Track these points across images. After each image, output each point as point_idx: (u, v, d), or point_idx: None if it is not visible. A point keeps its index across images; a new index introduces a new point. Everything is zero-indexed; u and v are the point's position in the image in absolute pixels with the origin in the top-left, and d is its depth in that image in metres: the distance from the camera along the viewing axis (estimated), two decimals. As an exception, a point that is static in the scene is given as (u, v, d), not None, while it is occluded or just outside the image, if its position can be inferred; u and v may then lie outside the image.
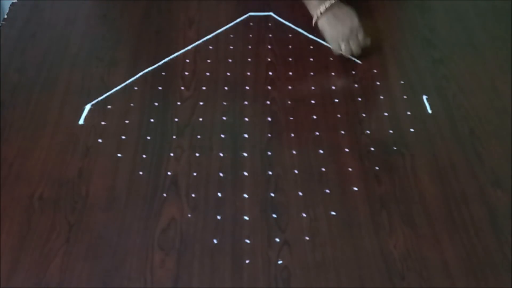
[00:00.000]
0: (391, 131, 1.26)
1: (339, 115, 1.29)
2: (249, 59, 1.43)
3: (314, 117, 1.29)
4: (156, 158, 1.20)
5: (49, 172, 1.18)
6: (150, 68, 1.40)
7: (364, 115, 1.29)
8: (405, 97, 1.33)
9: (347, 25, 1.37)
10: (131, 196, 1.14)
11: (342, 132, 1.25)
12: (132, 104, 1.32)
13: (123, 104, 1.32)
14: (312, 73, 1.39)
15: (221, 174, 1.17)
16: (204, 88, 1.36)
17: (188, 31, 1.51)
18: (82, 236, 1.07)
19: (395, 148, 1.22)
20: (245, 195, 1.13)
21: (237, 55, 1.44)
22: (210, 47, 1.46)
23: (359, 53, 1.39)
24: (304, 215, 1.10)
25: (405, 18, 1.56)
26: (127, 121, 1.28)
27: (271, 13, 1.55)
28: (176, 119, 1.28)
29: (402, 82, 1.35)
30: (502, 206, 1.11)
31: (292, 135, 1.25)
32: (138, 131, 1.26)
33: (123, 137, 1.25)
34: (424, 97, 1.32)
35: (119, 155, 1.21)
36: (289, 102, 1.32)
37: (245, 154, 1.21)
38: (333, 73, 1.39)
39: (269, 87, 1.35)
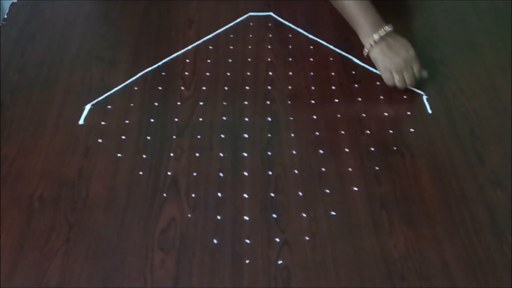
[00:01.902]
0: (391, 131, 1.26)
1: (339, 115, 1.29)
2: (249, 59, 1.43)
3: (314, 117, 1.29)
4: (156, 158, 1.20)
5: (49, 172, 1.18)
6: (150, 68, 1.40)
7: (364, 115, 1.29)
8: (405, 97, 1.33)
9: (402, 56, 1.31)
10: (131, 196, 1.14)
11: (342, 132, 1.25)
12: (132, 104, 1.32)
13: (123, 104, 1.32)
14: (312, 73, 1.39)
15: (221, 174, 1.17)
16: (204, 88, 1.36)
17: (188, 31, 1.51)
18: (82, 236, 1.07)
19: (395, 148, 1.22)
20: (245, 195, 1.13)
21: (237, 55, 1.44)
22: (210, 47, 1.46)
23: (413, 85, 1.32)
24: (304, 215, 1.10)
25: (405, 18, 1.56)
26: (127, 121, 1.28)
27: (271, 13, 1.55)
28: (176, 119, 1.28)
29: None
30: (502, 206, 1.11)
31: (292, 135, 1.25)
32: (138, 131, 1.26)
33: (123, 137, 1.25)
34: (424, 97, 1.32)
35: (119, 155, 1.21)
36: (289, 102, 1.32)
37: (245, 154, 1.21)
38: (333, 73, 1.39)
39: (269, 87, 1.35)
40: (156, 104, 1.32)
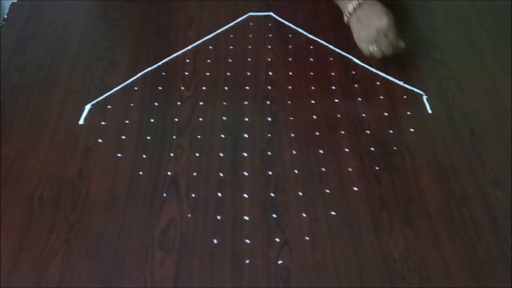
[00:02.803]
0: (391, 131, 1.26)
1: (339, 115, 1.29)
2: (249, 59, 1.43)
3: (314, 117, 1.29)
4: (156, 158, 1.20)
5: (49, 172, 1.18)
6: (150, 68, 1.40)
7: (364, 115, 1.29)
8: (405, 97, 1.33)
9: (374, 25, 1.30)
10: (131, 196, 1.14)
11: (342, 132, 1.25)
12: (132, 104, 1.32)
13: (123, 104, 1.32)
14: (312, 73, 1.39)
15: (221, 174, 1.17)
16: (204, 88, 1.36)
17: (188, 31, 1.51)
18: (82, 236, 1.07)
19: (395, 148, 1.22)
20: (245, 195, 1.14)
21: (237, 55, 1.44)
22: (210, 47, 1.46)
23: (390, 54, 1.32)
24: (304, 215, 1.10)
25: (405, 18, 1.56)
26: (127, 121, 1.28)
27: (271, 13, 1.55)
28: (176, 119, 1.28)
29: (402, 82, 1.35)
30: (502, 206, 1.11)
31: (292, 135, 1.25)
32: (138, 131, 1.26)
33: (123, 137, 1.25)
34: (424, 97, 1.32)
35: (119, 155, 1.21)
36: (289, 102, 1.32)
37: (245, 154, 1.21)
38: (333, 73, 1.39)
39: (269, 87, 1.35)
40: (156, 104, 1.32)
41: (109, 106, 1.32)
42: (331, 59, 1.42)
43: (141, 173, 1.18)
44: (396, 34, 1.32)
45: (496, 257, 1.03)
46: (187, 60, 1.43)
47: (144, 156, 1.21)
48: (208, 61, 1.43)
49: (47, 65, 1.42)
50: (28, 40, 1.49)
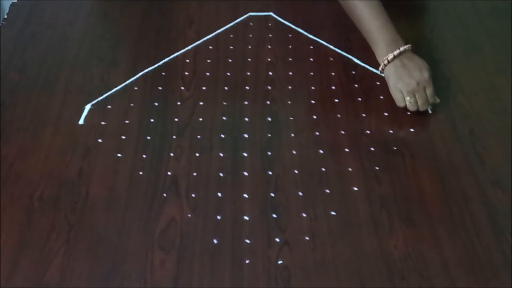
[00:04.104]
0: (391, 131, 1.26)
1: (339, 115, 1.29)
2: (249, 59, 1.43)
3: (314, 117, 1.29)
4: (156, 158, 1.20)
5: (49, 172, 1.18)
6: (150, 68, 1.40)
7: (364, 115, 1.29)
8: (405, 97, 1.33)
9: (415, 78, 1.25)
10: (131, 196, 1.14)
11: (342, 132, 1.25)
12: (132, 104, 1.32)
13: (123, 104, 1.32)
14: (312, 73, 1.39)
15: (221, 174, 1.17)
16: (204, 88, 1.36)
17: (188, 31, 1.51)
18: (82, 236, 1.07)
19: (395, 148, 1.22)
20: (245, 195, 1.13)
21: (237, 55, 1.44)
22: (210, 47, 1.46)
23: (425, 109, 1.27)
24: (304, 215, 1.10)
25: (405, 18, 1.56)
26: (127, 121, 1.28)
27: (271, 13, 1.55)
28: (176, 119, 1.28)
29: (402, 82, 1.35)
30: (502, 206, 1.11)
31: (292, 135, 1.25)
32: (138, 131, 1.26)
33: (123, 137, 1.25)
34: (424, 97, 1.32)
35: (119, 155, 1.21)
36: (289, 102, 1.32)
37: (245, 154, 1.21)
38: (333, 73, 1.39)
39: (269, 87, 1.35)
40: (156, 104, 1.32)
41: (109, 106, 1.32)
42: (331, 59, 1.42)
43: (141, 173, 1.18)
44: (434, 89, 1.27)
45: (496, 257, 1.03)
46: (187, 60, 1.43)
47: (144, 156, 1.21)
48: (208, 61, 1.43)
49: (47, 65, 1.42)
50: (28, 40, 1.49)
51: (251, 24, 1.53)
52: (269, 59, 1.42)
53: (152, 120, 1.28)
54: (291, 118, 1.28)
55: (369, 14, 1.32)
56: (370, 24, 1.31)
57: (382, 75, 1.31)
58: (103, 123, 1.28)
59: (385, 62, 1.28)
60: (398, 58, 1.27)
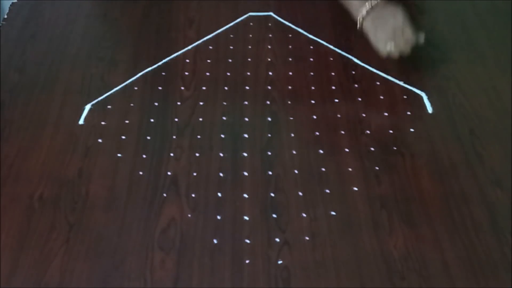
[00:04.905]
0: (391, 131, 1.26)
1: (339, 115, 1.29)
2: (249, 59, 1.43)
3: (314, 117, 1.29)
4: (156, 158, 1.20)
5: (49, 172, 1.18)
6: (150, 68, 1.40)
7: (364, 115, 1.29)
8: (405, 97, 1.33)
9: (390, 24, 1.30)
10: (131, 196, 1.14)
11: (342, 132, 1.25)
12: (132, 104, 1.32)
13: (123, 104, 1.32)
14: (312, 73, 1.39)
15: (221, 174, 1.17)
16: (204, 88, 1.36)
17: (188, 31, 1.51)
18: (82, 236, 1.07)
19: (395, 148, 1.22)
20: (245, 195, 1.14)
21: (237, 55, 1.44)
22: (210, 47, 1.46)
23: (408, 51, 1.31)
24: (304, 215, 1.10)
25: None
26: (127, 121, 1.28)
27: (271, 13, 1.55)
28: (176, 119, 1.28)
29: (402, 82, 1.35)
30: (502, 206, 1.11)
31: (292, 135, 1.25)
32: (138, 131, 1.26)
33: (123, 137, 1.25)
34: (424, 97, 1.32)
35: (119, 155, 1.21)
36: (289, 102, 1.32)
37: (245, 154, 1.21)
38: (333, 73, 1.39)
39: (269, 87, 1.35)
40: (156, 104, 1.32)
41: (109, 106, 1.32)
42: (331, 59, 1.42)
43: (141, 173, 1.18)
44: (412, 29, 1.31)
45: (496, 257, 1.03)
46: (187, 60, 1.43)
47: (144, 156, 1.21)
48: (208, 61, 1.43)
49: (47, 65, 1.42)
50: (28, 40, 1.49)
51: (251, 24, 1.53)
52: (269, 59, 1.42)
53: (152, 120, 1.28)
54: (291, 118, 1.28)
55: None
56: None
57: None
58: (103, 123, 1.28)
59: (360, 18, 1.33)
60: (373, 11, 1.32)
